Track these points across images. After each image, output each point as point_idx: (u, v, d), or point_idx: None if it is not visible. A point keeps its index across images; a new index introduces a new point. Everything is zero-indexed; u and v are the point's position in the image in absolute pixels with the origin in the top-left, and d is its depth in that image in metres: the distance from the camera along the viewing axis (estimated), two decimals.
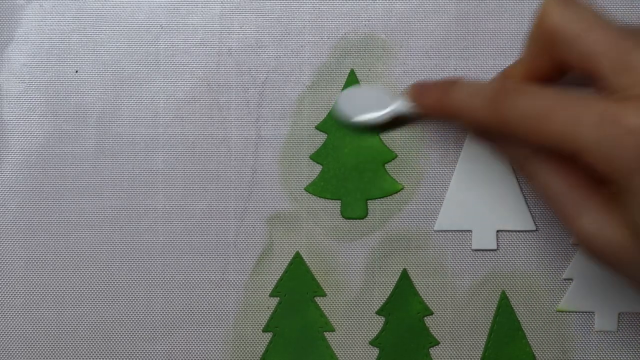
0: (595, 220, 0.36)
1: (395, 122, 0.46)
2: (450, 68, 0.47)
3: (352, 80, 0.47)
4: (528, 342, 0.47)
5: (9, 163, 0.47)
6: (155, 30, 0.47)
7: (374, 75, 0.47)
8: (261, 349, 0.47)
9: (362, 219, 0.47)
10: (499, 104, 0.38)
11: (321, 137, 0.47)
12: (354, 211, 0.47)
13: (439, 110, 0.42)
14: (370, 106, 0.46)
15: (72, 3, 0.47)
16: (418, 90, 0.44)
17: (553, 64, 0.39)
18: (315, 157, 0.47)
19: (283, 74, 0.47)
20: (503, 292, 0.47)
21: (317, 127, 0.47)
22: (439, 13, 0.47)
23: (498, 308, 0.47)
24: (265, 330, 0.47)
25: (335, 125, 0.47)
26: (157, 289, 0.47)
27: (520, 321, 0.47)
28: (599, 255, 0.37)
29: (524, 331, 0.47)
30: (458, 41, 0.47)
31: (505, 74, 0.43)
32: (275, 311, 0.47)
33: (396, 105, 0.45)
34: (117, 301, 0.47)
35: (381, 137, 0.47)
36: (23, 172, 0.47)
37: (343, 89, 0.47)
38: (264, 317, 0.47)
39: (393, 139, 0.47)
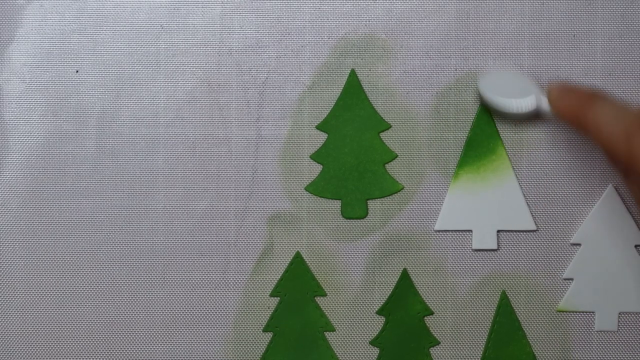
0: None
1: (530, 116, 0.46)
2: (450, 68, 0.47)
3: (352, 80, 0.47)
4: (528, 342, 0.47)
5: (9, 163, 0.47)
6: (155, 30, 0.47)
7: (374, 75, 0.47)
8: (261, 348, 0.47)
9: (362, 218, 0.47)
10: (635, 139, 0.37)
11: (321, 137, 0.47)
12: (354, 211, 0.47)
13: (574, 119, 0.41)
14: (511, 92, 0.46)
15: (73, 3, 0.47)
16: (558, 94, 0.43)
17: None
18: (316, 157, 0.47)
19: (283, 74, 0.47)
20: (503, 292, 0.47)
21: (318, 127, 0.47)
22: (439, 13, 0.47)
23: (498, 308, 0.47)
24: (265, 330, 0.47)
25: (335, 125, 0.47)
26: (157, 288, 0.47)
27: (521, 321, 0.47)
28: None
29: (524, 331, 0.47)
30: (458, 41, 0.47)
31: None
32: (275, 311, 0.47)
33: (537, 104, 0.44)
34: (118, 301, 0.47)
35: (381, 137, 0.47)
36: (23, 172, 0.47)
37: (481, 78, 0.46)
38: (264, 317, 0.47)
39: (393, 139, 0.47)
